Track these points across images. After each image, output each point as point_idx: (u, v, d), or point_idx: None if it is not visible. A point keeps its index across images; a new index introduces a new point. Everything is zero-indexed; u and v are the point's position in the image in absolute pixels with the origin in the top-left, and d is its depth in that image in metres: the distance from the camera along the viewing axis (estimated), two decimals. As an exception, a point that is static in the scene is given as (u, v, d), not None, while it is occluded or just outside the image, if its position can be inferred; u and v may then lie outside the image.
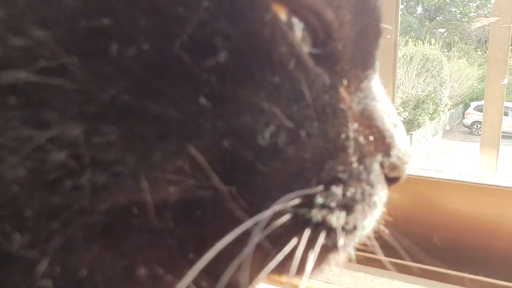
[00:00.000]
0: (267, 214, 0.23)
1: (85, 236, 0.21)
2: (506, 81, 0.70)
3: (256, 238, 0.23)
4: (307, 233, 0.26)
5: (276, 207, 0.24)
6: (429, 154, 7.88)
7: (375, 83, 0.32)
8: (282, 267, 0.27)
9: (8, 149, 0.19)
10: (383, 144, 0.31)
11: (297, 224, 0.26)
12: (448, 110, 9.94)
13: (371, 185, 0.30)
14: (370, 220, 0.30)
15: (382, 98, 0.32)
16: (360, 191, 0.28)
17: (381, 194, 0.31)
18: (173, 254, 0.23)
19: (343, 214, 0.27)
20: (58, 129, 0.19)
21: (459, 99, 10.27)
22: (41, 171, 0.19)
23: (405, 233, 0.74)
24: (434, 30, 12.33)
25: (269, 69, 0.23)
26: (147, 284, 0.22)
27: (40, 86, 0.19)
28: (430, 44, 10.56)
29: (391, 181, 0.32)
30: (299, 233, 0.26)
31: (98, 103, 0.20)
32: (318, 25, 0.26)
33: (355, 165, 0.28)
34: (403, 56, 8.97)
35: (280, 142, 0.23)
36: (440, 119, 9.49)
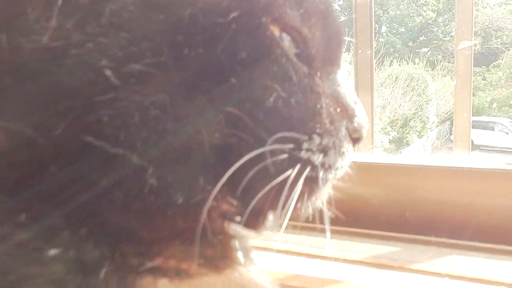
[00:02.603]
0: (267, 148, 0.39)
1: (173, 158, 0.36)
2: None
3: (266, 162, 0.38)
4: (298, 166, 0.41)
5: (276, 146, 0.39)
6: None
7: (340, 76, 0.48)
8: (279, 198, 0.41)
9: (130, 107, 0.34)
10: (347, 114, 0.46)
11: (292, 161, 0.41)
12: (436, 127, 10.19)
13: (340, 140, 0.45)
14: (341, 164, 0.46)
15: (345, 85, 0.48)
16: (332, 142, 0.44)
17: (348, 148, 0.46)
18: (218, 174, 0.38)
19: (321, 156, 0.43)
20: (155, 96, 0.35)
21: (445, 115, 10.54)
22: (147, 120, 0.35)
23: (382, 210, 0.89)
24: (417, 50, 12.71)
25: (270, 63, 0.38)
26: (203, 188, 0.37)
27: (145, 73, 0.34)
28: (414, 64, 10.88)
29: (354, 140, 0.48)
30: (293, 166, 0.41)
31: (177, 82, 0.35)
32: (298, 37, 0.42)
33: (328, 125, 0.44)
34: (388, 76, 9.25)
35: (279, 106, 0.39)
36: (428, 136, 9.73)
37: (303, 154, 0.42)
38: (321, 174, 0.43)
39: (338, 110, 0.46)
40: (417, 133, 9.36)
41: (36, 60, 0.33)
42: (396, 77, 9.23)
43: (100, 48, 0.33)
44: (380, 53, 9.15)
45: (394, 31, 12.94)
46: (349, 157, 0.47)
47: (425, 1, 13.09)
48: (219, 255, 0.42)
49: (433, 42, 12.80)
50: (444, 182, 0.87)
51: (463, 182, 0.85)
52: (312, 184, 0.44)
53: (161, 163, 0.35)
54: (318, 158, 0.43)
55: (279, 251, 0.84)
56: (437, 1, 13.08)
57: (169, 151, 0.36)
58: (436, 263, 0.75)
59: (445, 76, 11.25)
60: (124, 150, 0.34)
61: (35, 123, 0.33)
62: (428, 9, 12.73)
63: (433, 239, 0.83)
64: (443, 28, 13.07)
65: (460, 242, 0.81)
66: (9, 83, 0.33)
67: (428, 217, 0.86)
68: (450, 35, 13.12)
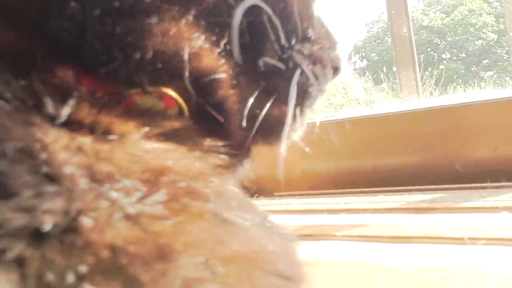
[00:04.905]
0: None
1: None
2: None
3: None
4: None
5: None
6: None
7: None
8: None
9: None
10: (330, 40, 0.52)
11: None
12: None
13: (326, 59, 0.50)
14: (326, 76, 0.50)
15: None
16: (320, 55, 0.49)
17: (330, 73, 0.51)
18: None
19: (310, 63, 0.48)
20: None
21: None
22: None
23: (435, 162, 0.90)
24: (482, 74, 12.31)
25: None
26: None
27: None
28: (480, 88, 10.47)
29: (333, 69, 0.52)
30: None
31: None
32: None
33: (317, 36, 0.49)
34: (454, 102, 8.94)
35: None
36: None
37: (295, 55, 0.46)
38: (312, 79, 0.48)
39: (323, 31, 0.51)
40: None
41: None
42: (463, 103, 8.90)
43: None
44: (442, 81, 8.97)
45: (455, 58, 12.67)
46: (330, 79, 0.52)
47: (484, 24, 12.77)
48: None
49: (498, 64, 12.35)
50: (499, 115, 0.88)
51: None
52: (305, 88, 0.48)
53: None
54: (308, 65, 0.47)
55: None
56: (497, 22, 12.72)
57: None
58: (492, 200, 0.72)
59: (516, 97, 10.67)
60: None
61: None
62: (488, 31, 12.41)
63: (489, 184, 0.81)
64: (507, 49, 12.62)
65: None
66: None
67: (475, 162, 0.87)
68: (515, 55, 12.60)
